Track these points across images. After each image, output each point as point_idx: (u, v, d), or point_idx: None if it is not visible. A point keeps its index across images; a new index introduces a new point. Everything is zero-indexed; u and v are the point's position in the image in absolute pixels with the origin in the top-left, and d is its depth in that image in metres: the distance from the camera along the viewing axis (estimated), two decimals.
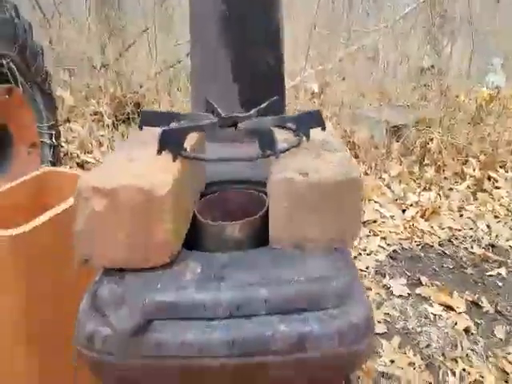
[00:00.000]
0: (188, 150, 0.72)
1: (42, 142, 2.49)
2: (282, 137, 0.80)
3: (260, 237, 0.73)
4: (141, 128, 0.80)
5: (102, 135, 3.33)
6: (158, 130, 0.70)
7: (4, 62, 2.20)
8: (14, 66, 2.26)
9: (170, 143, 0.69)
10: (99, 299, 0.62)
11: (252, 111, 0.82)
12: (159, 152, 0.69)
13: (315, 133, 0.80)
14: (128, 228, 0.63)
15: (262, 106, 0.85)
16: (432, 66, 4.18)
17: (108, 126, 3.28)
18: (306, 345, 0.59)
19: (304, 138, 0.79)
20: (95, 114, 3.50)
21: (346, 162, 0.71)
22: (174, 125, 0.76)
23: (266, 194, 0.72)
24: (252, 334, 0.59)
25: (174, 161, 0.69)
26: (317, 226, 0.68)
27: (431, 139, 3.40)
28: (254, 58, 1.07)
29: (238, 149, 0.80)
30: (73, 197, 0.63)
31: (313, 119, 0.79)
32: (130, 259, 0.64)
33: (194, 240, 0.74)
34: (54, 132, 2.53)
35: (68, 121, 3.43)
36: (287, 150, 0.74)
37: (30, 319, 1.27)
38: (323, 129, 0.79)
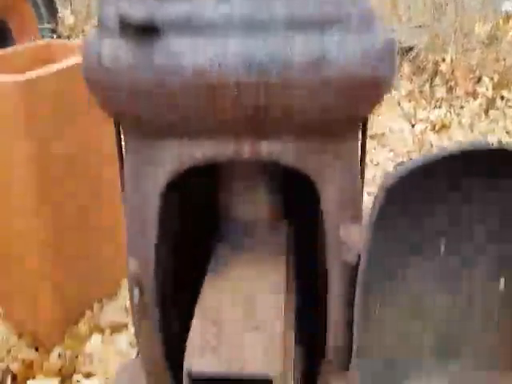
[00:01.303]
0: None
1: None
2: None
3: None
4: None
5: None
6: None
7: None
8: None
9: None
10: (105, 19, 0.56)
11: None
12: None
13: None
14: None
15: None
16: None
17: None
18: (327, 63, 0.54)
19: None
20: None
21: None
22: None
23: None
24: (269, 49, 0.54)
25: None
26: None
27: (443, 59, 3.30)
28: None
29: None
30: None
31: None
32: None
33: None
34: (54, 36, 2.46)
35: (68, 38, 3.34)
36: None
37: (41, 167, 1.27)
38: None
